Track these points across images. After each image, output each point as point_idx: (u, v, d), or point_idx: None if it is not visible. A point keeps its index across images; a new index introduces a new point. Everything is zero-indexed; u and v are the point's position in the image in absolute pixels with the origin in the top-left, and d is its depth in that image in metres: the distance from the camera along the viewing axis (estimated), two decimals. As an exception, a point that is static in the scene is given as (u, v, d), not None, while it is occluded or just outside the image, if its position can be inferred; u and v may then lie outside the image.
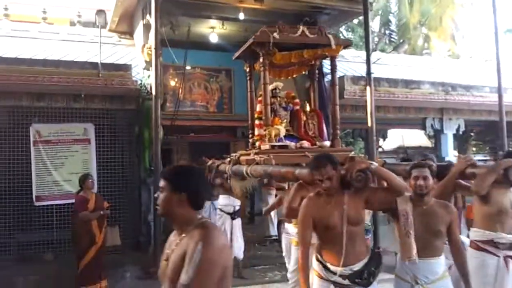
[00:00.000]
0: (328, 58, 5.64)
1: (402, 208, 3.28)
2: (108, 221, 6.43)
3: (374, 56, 9.33)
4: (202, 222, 2.00)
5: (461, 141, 13.71)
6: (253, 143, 5.38)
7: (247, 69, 5.79)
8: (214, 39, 9.55)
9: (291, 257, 4.61)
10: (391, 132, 14.34)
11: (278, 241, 8.33)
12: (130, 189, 8.17)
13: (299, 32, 5.01)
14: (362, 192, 3.13)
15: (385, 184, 3.22)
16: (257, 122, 5.34)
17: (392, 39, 19.80)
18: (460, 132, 11.47)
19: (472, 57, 22.04)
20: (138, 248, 7.92)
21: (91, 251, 5.92)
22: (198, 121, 10.61)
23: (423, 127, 11.09)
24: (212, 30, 9.46)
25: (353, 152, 4.88)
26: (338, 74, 9.29)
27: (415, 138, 14.76)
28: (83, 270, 5.89)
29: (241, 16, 8.32)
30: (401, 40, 19.45)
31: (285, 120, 5.35)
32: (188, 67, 9.98)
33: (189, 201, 2.01)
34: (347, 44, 5.91)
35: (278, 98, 5.41)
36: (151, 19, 6.96)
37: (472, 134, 14.02)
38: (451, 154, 10.85)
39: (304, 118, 5.38)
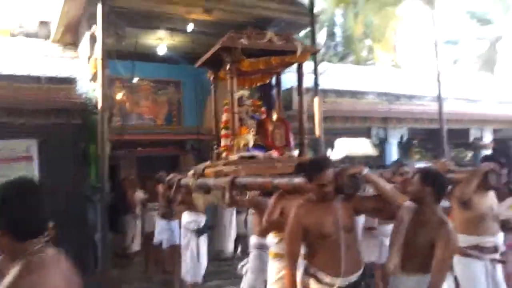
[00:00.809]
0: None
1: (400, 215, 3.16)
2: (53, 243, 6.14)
3: (321, 67, 9.52)
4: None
5: (404, 149, 14.20)
6: (219, 154, 5.23)
7: (211, 77, 5.62)
8: (162, 50, 9.41)
9: (269, 271, 4.06)
10: (338, 142, 14.64)
11: (234, 258, 8.15)
12: (75, 208, 7.84)
13: (266, 38, 4.88)
14: (351, 199, 3.03)
15: (375, 191, 3.11)
16: (223, 132, 5.17)
17: (338, 50, 20.32)
18: (404, 141, 11.89)
19: (414, 68, 22.98)
20: (84, 270, 7.58)
21: None
22: (146, 135, 10.41)
23: (369, 136, 11.41)
24: (160, 41, 9.32)
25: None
26: (286, 86, 9.45)
27: (361, 147, 15.14)
28: None
29: (190, 27, 8.27)
30: (347, 52, 20.00)
31: (252, 130, 5.20)
32: (135, 79, 9.80)
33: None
34: (314, 51, 5.89)
35: (245, 107, 5.27)
36: (97, 30, 6.78)
37: (414, 142, 14.54)
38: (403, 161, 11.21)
39: (270, 127, 5.28)
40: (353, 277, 2.91)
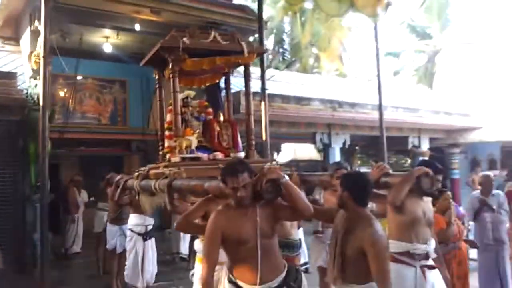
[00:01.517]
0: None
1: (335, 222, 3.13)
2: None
3: (268, 73, 9.68)
4: None
5: (347, 154, 14.68)
6: (163, 156, 5.06)
7: (156, 76, 5.43)
8: (108, 49, 9.25)
9: (195, 276, 4.09)
10: (284, 146, 14.91)
11: (187, 259, 7.85)
12: (13, 207, 7.55)
13: (210, 38, 4.71)
14: (272, 205, 2.93)
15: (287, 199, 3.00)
16: (167, 133, 5.00)
17: (285, 57, 20.70)
18: (346, 146, 12.27)
19: (357, 77, 23.77)
20: (22, 271, 7.33)
21: None
22: (90, 134, 10.18)
23: (313, 141, 11.69)
24: (106, 40, 9.15)
25: (268, 164, 4.51)
26: (234, 89, 9.54)
27: (306, 151, 15.48)
28: None
29: (137, 27, 8.17)
30: (294, 59, 20.40)
31: (197, 131, 5.06)
32: (79, 77, 9.58)
33: None
34: (260, 52, 5.66)
35: (190, 108, 5.11)
36: (40, 25, 6.58)
37: (357, 148, 15.04)
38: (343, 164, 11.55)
39: (217, 128, 5.11)
40: (274, 283, 2.85)
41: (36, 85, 7.36)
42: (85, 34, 8.67)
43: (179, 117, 4.69)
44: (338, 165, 4.58)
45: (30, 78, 7.68)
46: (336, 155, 11.76)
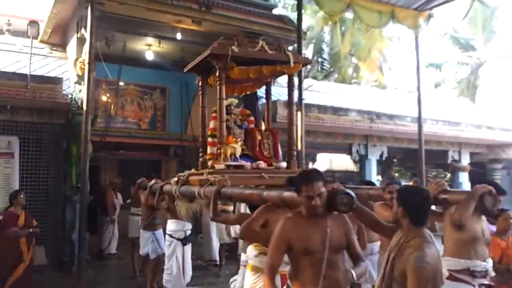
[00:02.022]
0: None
1: None
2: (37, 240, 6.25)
3: (306, 82, 9.71)
4: None
5: (384, 166, 14.47)
6: (204, 162, 5.02)
7: (199, 83, 5.45)
8: (150, 56, 9.51)
9: (245, 283, 3.95)
10: (320, 156, 14.85)
11: (218, 265, 7.95)
12: (54, 207, 7.85)
13: (258, 47, 4.71)
14: (343, 218, 2.88)
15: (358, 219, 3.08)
16: (210, 140, 4.94)
17: (323, 67, 20.62)
18: (383, 158, 12.12)
19: (396, 88, 23.43)
20: (61, 269, 7.60)
21: (19, 269, 5.72)
22: (130, 138, 10.44)
23: (350, 152, 11.61)
24: (149, 47, 9.43)
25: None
26: (272, 98, 9.61)
27: (342, 162, 15.36)
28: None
29: (179, 36, 8.38)
30: (332, 69, 20.31)
31: (239, 139, 5.01)
32: (121, 83, 9.86)
33: None
34: (306, 62, 5.62)
35: (233, 115, 5.07)
36: (86, 33, 6.85)
37: (394, 160, 14.82)
38: (374, 179, 11.42)
39: (259, 137, 5.05)
40: None
41: (80, 90, 7.65)
42: (128, 41, 8.95)
43: (224, 124, 4.69)
44: (390, 179, 4.36)
45: (75, 83, 7.98)
46: (372, 167, 11.63)
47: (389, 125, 11.02)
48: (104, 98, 9.95)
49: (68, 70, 8.64)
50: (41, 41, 9.36)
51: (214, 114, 4.87)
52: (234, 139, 4.88)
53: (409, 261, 2.50)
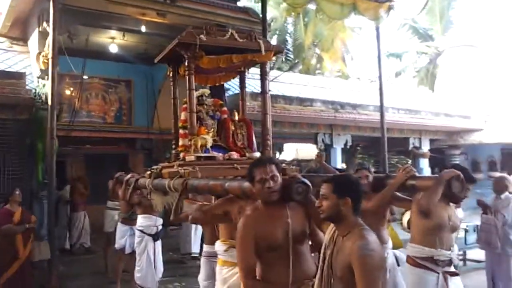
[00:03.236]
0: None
1: None
2: (36, 236, 6.26)
3: (271, 74, 9.83)
4: None
5: (348, 154, 14.83)
6: (177, 155, 4.93)
7: (170, 73, 5.29)
8: (114, 49, 9.42)
9: (217, 279, 3.81)
10: (287, 146, 15.07)
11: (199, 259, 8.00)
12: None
13: (227, 35, 4.59)
14: (303, 206, 2.75)
15: None
16: (181, 131, 4.85)
17: (288, 58, 20.80)
18: (348, 147, 12.42)
19: (359, 78, 23.90)
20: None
21: (14, 266, 5.73)
22: (95, 133, 10.35)
23: (315, 142, 11.84)
24: (112, 40, 9.32)
25: (284, 164, 4.27)
26: (237, 91, 9.70)
27: (308, 151, 15.64)
28: (6, 285, 5.67)
29: (143, 28, 8.32)
30: (296, 60, 20.51)
31: (212, 130, 4.89)
32: (85, 77, 9.74)
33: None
34: (278, 50, 5.47)
35: (205, 106, 4.95)
36: (48, 27, 6.75)
37: (358, 148, 15.19)
38: (339, 166, 11.72)
39: (232, 127, 4.94)
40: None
41: (44, 85, 7.52)
42: (92, 34, 8.85)
43: (195, 116, 4.58)
44: (360, 165, 4.27)
45: (38, 78, 7.83)
46: (337, 155, 11.91)
47: (353, 115, 11.31)
48: (68, 92, 9.81)
49: (31, 64, 8.45)
50: (1, 35, 9.11)
51: (185, 106, 4.76)
52: (206, 130, 4.77)
53: (353, 252, 2.21)
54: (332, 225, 2.47)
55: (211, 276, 4.22)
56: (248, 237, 2.64)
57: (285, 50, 20.98)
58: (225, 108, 5.19)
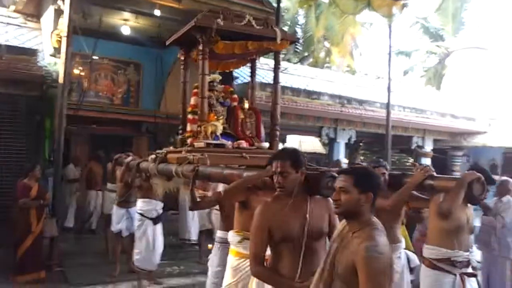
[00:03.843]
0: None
1: None
2: (49, 212, 6.41)
3: (281, 65, 9.85)
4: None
5: (351, 149, 14.88)
6: (184, 140, 4.80)
7: (181, 57, 5.17)
8: (126, 31, 9.46)
9: (227, 268, 3.63)
10: (290, 138, 15.12)
11: (198, 250, 7.65)
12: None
13: (245, 21, 4.48)
14: (327, 201, 2.70)
15: None
16: (190, 116, 4.70)
17: (297, 50, 20.75)
18: (351, 142, 12.47)
19: (366, 74, 23.86)
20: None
21: (28, 239, 5.88)
22: (102, 113, 10.43)
23: (319, 135, 11.88)
24: (125, 22, 9.37)
25: None
26: (246, 80, 9.73)
27: (311, 144, 15.69)
28: (21, 258, 5.86)
29: (157, 12, 8.36)
30: (306, 53, 20.47)
31: (221, 117, 4.80)
32: (95, 57, 9.79)
33: None
34: (293, 40, 5.32)
35: (215, 92, 4.85)
36: (63, 5, 6.78)
37: (361, 144, 15.23)
38: (341, 160, 11.79)
39: (241, 116, 4.86)
40: None
41: (55, 63, 7.57)
42: (105, 15, 8.89)
43: (206, 101, 4.49)
44: (377, 162, 4.02)
45: (50, 55, 7.88)
46: (340, 150, 11.95)
47: (359, 110, 11.33)
48: (77, 72, 9.84)
49: (43, 41, 8.51)
50: (15, 11, 9.13)
51: (195, 90, 4.69)
52: (215, 117, 4.68)
53: (359, 252, 2.07)
54: (344, 220, 2.32)
55: (224, 263, 3.87)
56: (262, 224, 2.61)
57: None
58: (235, 96, 5.12)
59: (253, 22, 4.53)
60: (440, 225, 3.59)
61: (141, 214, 5.99)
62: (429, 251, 3.73)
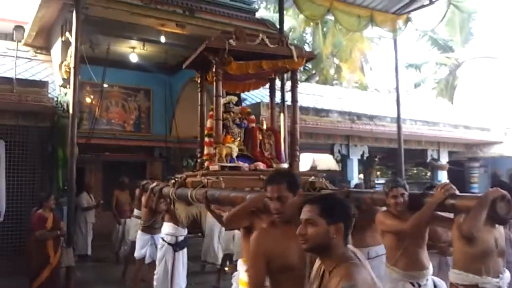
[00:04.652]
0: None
1: None
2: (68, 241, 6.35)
3: (288, 84, 9.90)
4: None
5: (366, 165, 14.78)
6: (201, 164, 4.76)
7: (198, 79, 5.11)
8: (134, 59, 9.62)
9: None
10: (303, 156, 15.06)
11: (217, 271, 7.47)
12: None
13: (258, 40, 4.43)
14: None
15: None
16: (206, 139, 4.69)
17: (306, 68, 20.85)
18: (365, 158, 12.38)
19: (377, 89, 23.81)
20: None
21: (45, 271, 5.85)
22: (115, 140, 10.55)
23: (331, 152, 11.84)
24: (133, 50, 9.55)
25: (313, 177, 4.11)
26: (254, 100, 9.77)
27: (325, 161, 15.61)
28: None
29: (162, 39, 8.50)
30: (314, 71, 20.52)
31: (238, 139, 4.72)
32: (106, 85, 9.94)
33: None
34: (310, 57, 5.20)
35: (232, 114, 4.78)
36: (71, 36, 6.92)
37: (376, 159, 15.12)
38: (355, 177, 11.69)
39: (260, 137, 4.77)
40: None
41: (66, 94, 7.70)
42: (113, 44, 9.04)
43: (220, 123, 4.41)
44: (394, 182, 3.68)
45: (60, 86, 8.03)
46: (354, 166, 11.88)
47: (369, 126, 11.27)
48: (88, 100, 10.02)
49: (53, 73, 8.69)
50: (25, 44, 9.37)
51: (211, 113, 4.61)
52: (232, 139, 4.60)
53: None
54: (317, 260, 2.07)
55: None
56: (258, 253, 2.43)
57: (303, 60, 21.01)
58: (253, 116, 5.04)
59: (267, 41, 4.48)
60: (464, 250, 3.28)
61: (162, 238, 5.87)
62: (455, 275, 3.41)
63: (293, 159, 4.80)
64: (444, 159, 13.79)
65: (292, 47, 4.61)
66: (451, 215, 3.40)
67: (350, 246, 2.00)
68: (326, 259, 1.95)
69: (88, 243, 9.01)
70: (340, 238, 1.93)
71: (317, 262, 2.06)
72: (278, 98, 6.96)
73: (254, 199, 3.09)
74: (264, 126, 4.97)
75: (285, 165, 4.76)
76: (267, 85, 5.41)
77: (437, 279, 3.93)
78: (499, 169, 15.19)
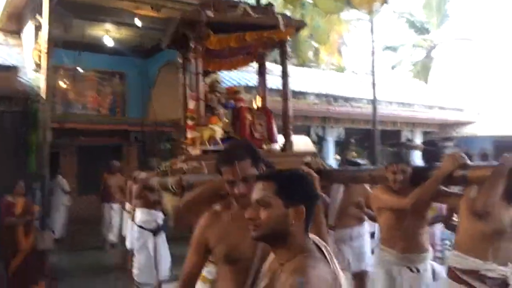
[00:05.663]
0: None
1: None
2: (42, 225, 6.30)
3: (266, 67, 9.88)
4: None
5: (342, 147, 14.94)
6: (183, 149, 4.38)
7: (180, 59, 4.75)
8: (108, 42, 9.47)
9: None
10: (280, 138, 15.12)
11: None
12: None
13: (240, 11, 4.02)
14: None
15: None
16: (189, 122, 4.24)
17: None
18: (341, 139, 12.53)
19: (355, 71, 23.92)
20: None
21: (17, 257, 5.82)
22: (90, 124, 10.41)
23: (308, 134, 11.94)
24: (107, 33, 9.38)
25: (309, 158, 3.70)
26: (230, 84, 9.74)
27: (303, 143, 15.68)
28: (14, 275, 5.80)
29: (138, 22, 8.37)
30: (292, 53, 20.44)
31: (225, 120, 4.36)
32: (79, 69, 9.80)
33: None
34: (299, 25, 4.68)
35: (217, 94, 4.39)
36: (43, 20, 6.79)
37: (352, 140, 15.29)
38: (332, 158, 11.84)
39: (249, 117, 4.36)
40: None
41: (38, 78, 7.59)
42: (87, 28, 8.89)
43: (203, 104, 4.03)
44: (397, 158, 3.35)
45: (33, 70, 7.91)
46: (330, 148, 12.02)
47: (346, 108, 11.40)
48: (62, 84, 9.86)
49: (25, 57, 8.53)
50: (-4, 29, 9.16)
51: (193, 93, 4.27)
52: (218, 120, 4.22)
53: None
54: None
55: None
56: (199, 239, 2.03)
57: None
58: (241, 96, 4.65)
59: (250, 11, 4.09)
60: (473, 228, 2.75)
61: (140, 227, 5.48)
62: (455, 258, 2.89)
63: (287, 139, 4.51)
64: (418, 140, 14.04)
65: (279, 16, 4.26)
66: (458, 193, 3.02)
67: (312, 236, 1.61)
68: (280, 250, 1.55)
69: (61, 226, 8.98)
70: (300, 225, 1.52)
71: (271, 255, 1.68)
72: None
73: (215, 183, 2.52)
74: (259, 104, 4.67)
75: (276, 147, 4.50)
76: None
77: (436, 265, 3.57)
78: (471, 148, 15.55)
